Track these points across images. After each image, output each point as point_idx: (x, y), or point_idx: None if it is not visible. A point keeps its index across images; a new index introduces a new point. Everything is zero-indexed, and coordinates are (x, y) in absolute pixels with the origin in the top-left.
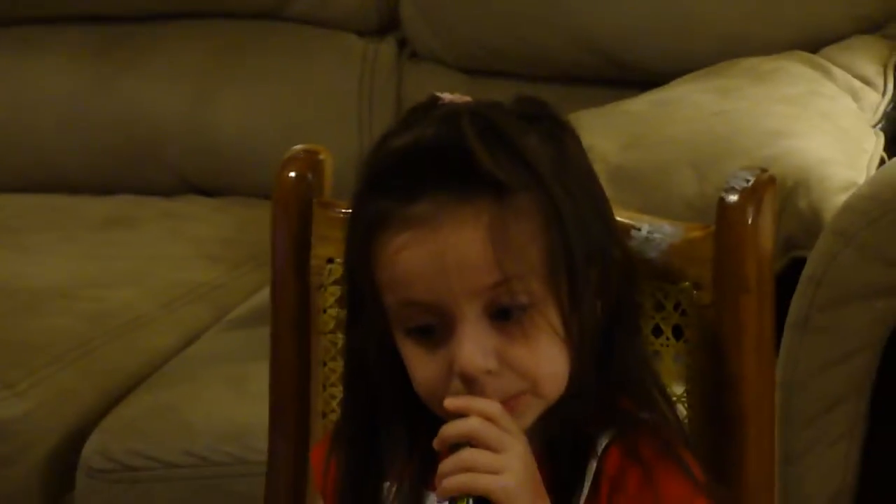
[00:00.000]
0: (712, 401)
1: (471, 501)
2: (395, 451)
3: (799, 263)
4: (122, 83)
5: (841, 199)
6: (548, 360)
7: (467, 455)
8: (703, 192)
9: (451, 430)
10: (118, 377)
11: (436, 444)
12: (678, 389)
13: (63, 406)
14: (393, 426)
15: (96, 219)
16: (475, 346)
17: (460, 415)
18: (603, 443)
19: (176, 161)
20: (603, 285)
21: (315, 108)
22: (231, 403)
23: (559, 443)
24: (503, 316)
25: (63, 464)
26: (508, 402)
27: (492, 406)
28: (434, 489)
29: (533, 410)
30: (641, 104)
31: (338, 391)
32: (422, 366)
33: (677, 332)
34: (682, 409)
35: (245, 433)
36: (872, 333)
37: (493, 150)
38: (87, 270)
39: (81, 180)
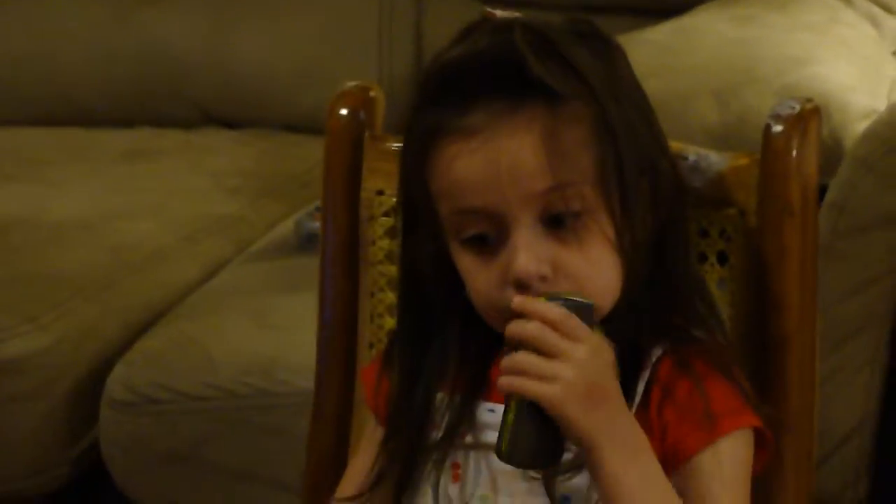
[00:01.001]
0: (756, 325)
1: (524, 402)
2: (447, 362)
3: (821, 191)
4: (141, 16)
5: (862, 126)
6: (601, 268)
7: (520, 358)
8: (724, 119)
9: (511, 329)
10: (140, 310)
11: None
12: (723, 315)
13: (86, 339)
14: (446, 338)
15: (117, 151)
16: (529, 252)
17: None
18: (656, 354)
19: (195, 93)
20: (654, 197)
21: (334, 40)
22: (253, 336)
23: (615, 353)
24: (557, 223)
25: (87, 397)
26: None
27: (552, 311)
28: (486, 399)
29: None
30: (661, 33)
31: (385, 322)
32: (478, 274)
33: (722, 259)
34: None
35: (268, 365)
36: (894, 260)
37: (544, 59)
38: (108, 203)
39: (102, 113)
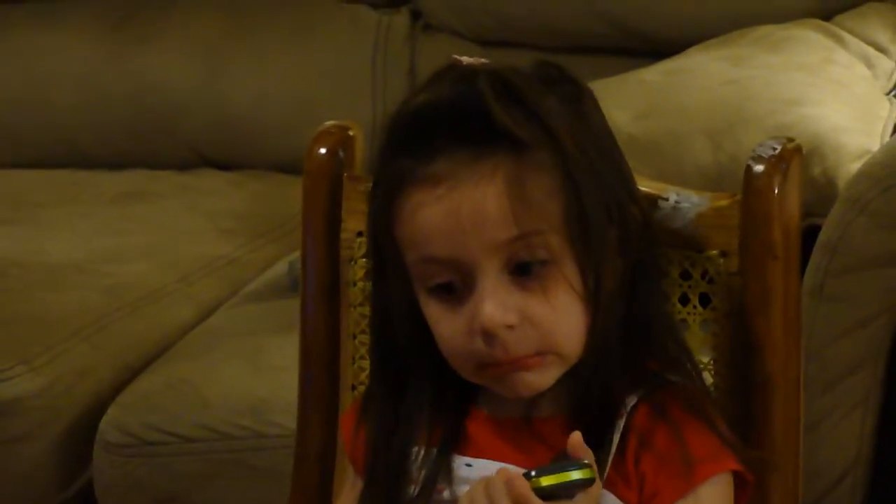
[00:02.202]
0: (739, 367)
1: None
2: (421, 414)
3: (814, 231)
4: (135, 57)
5: (855, 166)
6: (567, 316)
7: None
8: (717, 160)
9: None
10: (134, 352)
11: None
12: (705, 357)
13: (80, 381)
14: (419, 389)
15: (111, 193)
16: (495, 301)
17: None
18: (631, 402)
19: (190, 135)
20: (623, 243)
21: (329, 81)
22: (247, 377)
23: (587, 402)
24: (523, 272)
25: (80, 439)
26: (530, 360)
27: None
28: (462, 453)
29: (555, 368)
30: (654, 74)
31: (367, 364)
32: (445, 323)
33: (704, 301)
34: (708, 377)
35: (261, 407)
36: (887, 300)
37: (509, 107)
38: (102, 245)
39: (96, 154)
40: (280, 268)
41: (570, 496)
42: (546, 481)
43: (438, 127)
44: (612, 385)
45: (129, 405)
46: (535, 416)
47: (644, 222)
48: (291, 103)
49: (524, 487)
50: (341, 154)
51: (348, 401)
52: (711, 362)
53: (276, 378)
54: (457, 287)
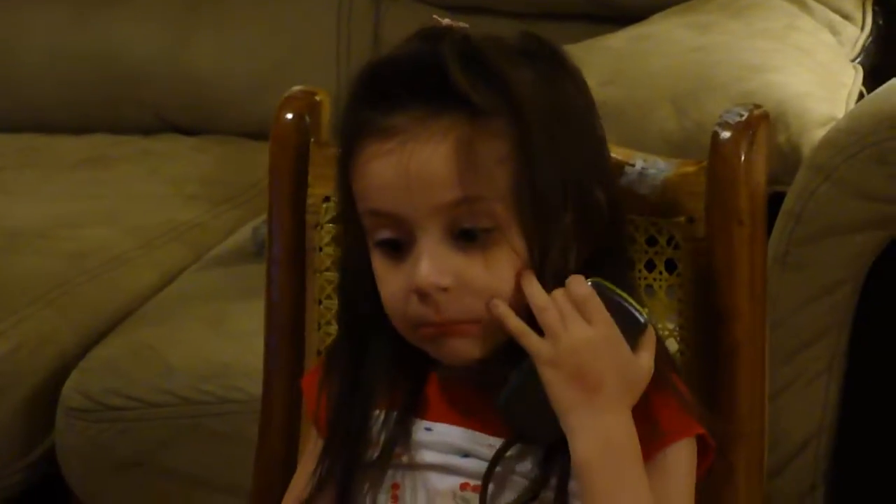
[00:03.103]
0: (705, 334)
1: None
2: (382, 377)
3: (778, 198)
4: (99, 21)
5: (819, 133)
6: (507, 287)
7: (538, 310)
8: (682, 126)
9: (538, 296)
10: (97, 317)
11: None
12: (671, 324)
13: (42, 346)
14: (380, 352)
15: (74, 158)
16: (432, 262)
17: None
18: None
19: (154, 99)
20: (581, 227)
21: (293, 47)
22: (210, 343)
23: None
24: (466, 237)
25: (43, 404)
26: (462, 326)
27: (579, 287)
28: (423, 417)
29: (488, 338)
30: (620, 40)
31: (333, 330)
32: (387, 280)
33: (670, 266)
34: (674, 343)
35: (224, 372)
36: (851, 268)
37: (470, 70)
38: (64, 210)
39: (59, 119)
40: (244, 233)
41: (622, 322)
42: (599, 280)
43: (398, 81)
44: None
45: (92, 370)
46: (492, 383)
47: (610, 210)
48: (256, 69)
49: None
50: (308, 119)
51: (313, 366)
52: (677, 329)
53: (239, 343)
54: (402, 244)
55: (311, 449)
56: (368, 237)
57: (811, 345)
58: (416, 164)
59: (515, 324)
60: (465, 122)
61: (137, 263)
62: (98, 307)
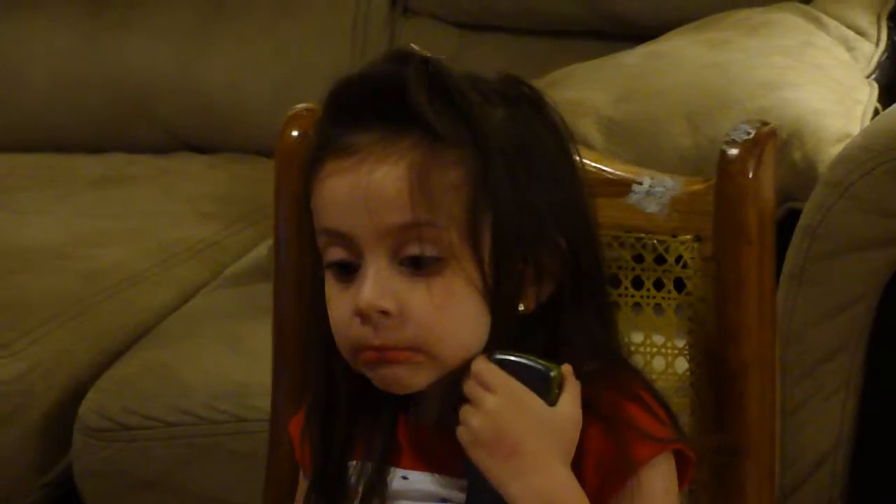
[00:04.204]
0: (713, 353)
1: None
2: (356, 425)
3: (794, 215)
4: (112, 41)
5: (835, 150)
6: (450, 319)
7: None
8: (696, 143)
9: None
10: (113, 336)
11: None
12: (680, 342)
13: (59, 366)
14: (354, 396)
15: (89, 177)
16: (375, 285)
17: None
18: None
19: (167, 118)
20: (537, 269)
21: (306, 64)
22: (227, 361)
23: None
24: (414, 264)
25: (60, 424)
26: (399, 353)
27: (477, 365)
28: (397, 465)
29: (426, 370)
30: (634, 57)
31: None
32: (335, 303)
33: (679, 285)
34: (683, 362)
35: (242, 391)
36: (868, 284)
37: (433, 96)
38: (80, 229)
39: (73, 139)
40: (260, 251)
41: (532, 382)
42: (501, 354)
43: (362, 100)
44: None
45: (109, 390)
46: (453, 424)
47: (574, 257)
48: (269, 87)
49: (481, 361)
50: (313, 136)
51: None
52: (687, 347)
53: (256, 362)
54: (352, 267)
55: (302, 489)
56: (322, 259)
57: (828, 361)
58: (369, 183)
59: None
60: (424, 145)
61: (153, 282)
62: (114, 326)
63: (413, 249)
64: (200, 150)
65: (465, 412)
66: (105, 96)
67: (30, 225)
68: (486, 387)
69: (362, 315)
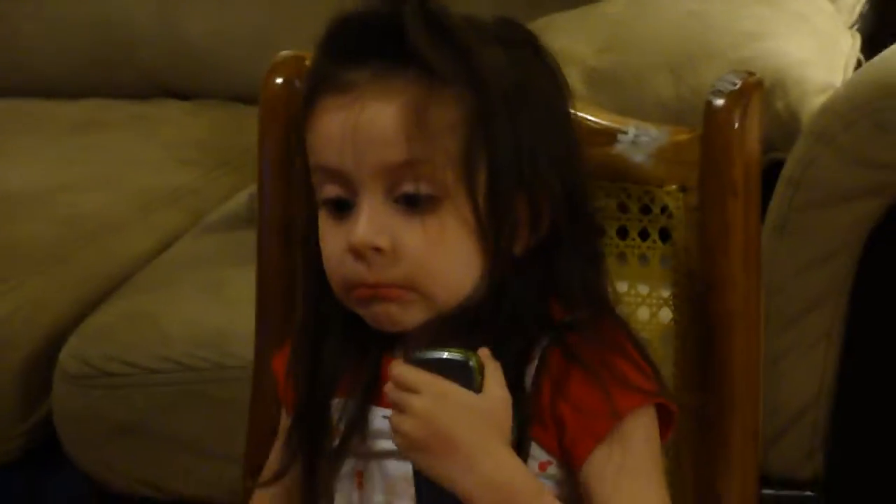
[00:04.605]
0: (699, 303)
1: None
2: (342, 362)
3: (776, 165)
4: None
5: (818, 100)
6: (445, 256)
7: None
8: (679, 94)
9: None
10: (94, 282)
11: None
12: (665, 292)
13: (39, 312)
14: (339, 334)
15: (68, 122)
16: (369, 221)
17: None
18: (540, 347)
19: (148, 64)
20: (532, 212)
21: (288, 10)
22: (207, 308)
23: (494, 350)
24: (410, 202)
25: (40, 370)
26: (391, 290)
27: (392, 368)
28: (380, 404)
29: (418, 308)
30: (617, 6)
31: None
32: (328, 239)
33: (664, 235)
34: (668, 312)
35: (222, 338)
36: (851, 235)
37: (432, 34)
38: (60, 174)
39: (54, 84)
40: (240, 198)
41: (454, 374)
42: (417, 353)
43: (360, 37)
44: (519, 333)
45: (89, 336)
46: None
47: (569, 202)
48: (249, 33)
49: (398, 365)
50: (297, 84)
51: None
52: (671, 297)
53: (237, 310)
54: (346, 204)
55: (283, 426)
56: (316, 195)
57: (810, 311)
58: (365, 120)
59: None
60: (422, 84)
61: (133, 229)
62: (94, 273)
63: (408, 187)
64: (179, 96)
65: (395, 420)
66: (85, 40)
67: (9, 169)
68: (410, 389)
69: (356, 252)
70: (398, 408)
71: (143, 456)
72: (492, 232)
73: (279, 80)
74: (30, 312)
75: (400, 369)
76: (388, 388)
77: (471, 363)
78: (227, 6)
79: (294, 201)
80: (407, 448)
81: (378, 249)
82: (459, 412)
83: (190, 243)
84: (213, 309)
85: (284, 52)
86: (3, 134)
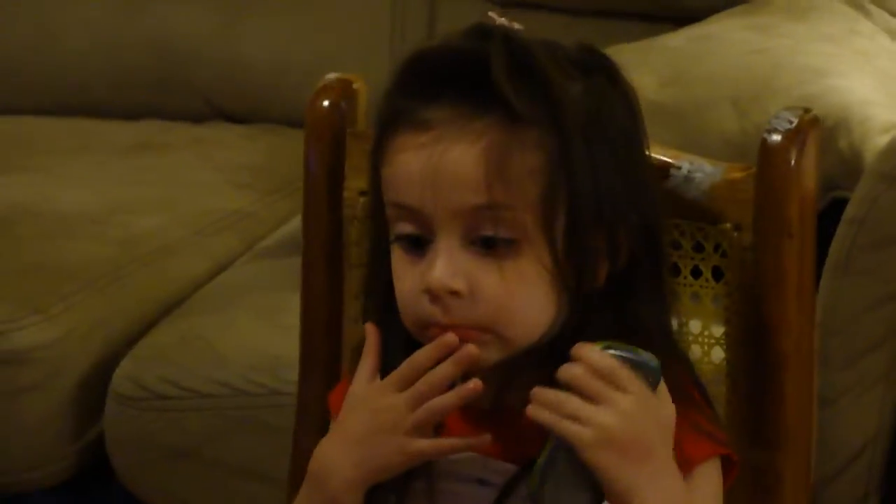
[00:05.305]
0: (751, 344)
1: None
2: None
3: (838, 204)
4: (152, 6)
5: (882, 139)
6: (522, 301)
7: (562, 397)
8: (743, 129)
9: (559, 373)
10: (148, 305)
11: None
12: (717, 331)
13: (93, 333)
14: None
15: (125, 143)
16: (447, 264)
17: (426, 334)
18: None
19: (205, 86)
20: (610, 248)
21: (346, 36)
22: (263, 334)
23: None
24: (486, 244)
25: (93, 390)
26: (468, 332)
27: (603, 359)
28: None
29: (494, 349)
30: (679, 40)
31: None
32: (402, 276)
33: (717, 274)
34: (720, 351)
35: (277, 364)
36: None
37: (514, 73)
38: (116, 196)
39: (110, 104)
40: (294, 223)
41: (643, 376)
42: (612, 349)
43: (440, 74)
44: None
45: (143, 358)
46: (507, 407)
47: (646, 235)
48: (307, 58)
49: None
50: (344, 106)
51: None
52: (723, 337)
53: (292, 335)
54: (422, 241)
55: None
56: (390, 231)
57: (869, 352)
58: (446, 162)
59: (546, 416)
60: (503, 126)
61: (188, 252)
62: (148, 295)
63: (487, 230)
64: (236, 119)
65: (589, 411)
66: (143, 62)
67: (65, 189)
68: (619, 386)
69: (432, 293)
70: (596, 398)
71: (194, 480)
72: (571, 273)
73: (325, 104)
74: (84, 333)
75: (609, 362)
76: (581, 373)
77: (656, 366)
78: (287, 31)
79: (340, 225)
80: (597, 442)
81: (455, 293)
82: (656, 421)
83: (245, 268)
84: (267, 334)
85: (331, 75)
86: (60, 154)
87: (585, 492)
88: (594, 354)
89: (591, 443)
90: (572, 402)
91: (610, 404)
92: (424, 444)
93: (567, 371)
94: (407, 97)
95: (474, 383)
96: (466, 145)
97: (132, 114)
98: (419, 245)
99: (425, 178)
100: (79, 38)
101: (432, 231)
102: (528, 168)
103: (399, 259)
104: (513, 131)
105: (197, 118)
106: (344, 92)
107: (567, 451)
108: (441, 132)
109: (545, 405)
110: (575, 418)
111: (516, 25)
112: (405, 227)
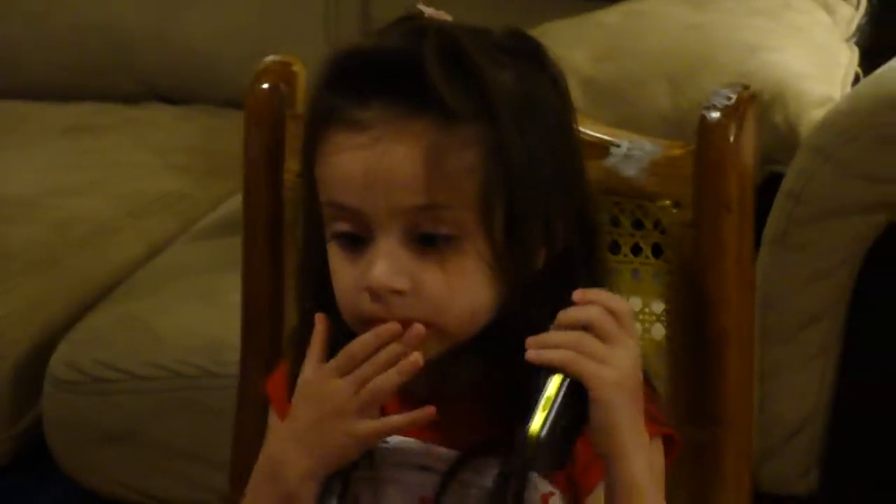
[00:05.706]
0: (692, 319)
1: (566, 381)
2: None
3: (775, 178)
4: None
5: (817, 113)
6: (463, 295)
7: (580, 336)
8: (677, 105)
9: (569, 314)
10: (85, 287)
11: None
12: (657, 308)
13: (30, 316)
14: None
15: (60, 126)
16: (388, 263)
17: (366, 329)
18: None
19: (141, 68)
20: (547, 234)
21: (281, 18)
22: (200, 315)
23: (502, 385)
24: (427, 241)
25: (30, 375)
26: (409, 325)
27: (618, 301)
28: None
29: (434, 344)
30: (614, 16)
31: None
32: (341, 274)
33: (657, 251)
34: (661, 328)
35: (214, 346)
36: (850, 250)
37: (450, 73)
38: (51, 178)
39: (46, 86)
40: (232, 205)
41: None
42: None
43: (375, 75)
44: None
45: (80, 341)
46: (445, 395)
47: (580, 216)
48: (243, 40)
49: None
50: (283, 89)
51: None
52: (664, 313)
53: (229, 317)
54: (359, 239)
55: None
56: (326, 228)
57: (808, 326)
58: (385, 164)
59: (561, 356)
60: (440, 126)
61: (124, 234)
62: (85, 277)
63: (427, 228)
64: (172, 101)
65: (606, 350)
66: (77, 43)
67: (1, 173)
68: (628, 329)
69: (374, 293)
70: (610, 339)
71: (132, 462)
72: (510, 264)
73: (265, 86)
74: (20, 317)
75: (626, 306)
76: (598, 313)
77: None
78: (222, 12)
79: (280, 207)
80: (618, 383)
81: (397, 291)
82: (638, 374)
83: (182, 249)
84: (205, 316)
85: (270, 58)
86: None
87: (566, 444)
88: (609, 295)
89: (613, 384)
90: (591, 342)
91: (625, 346)
92: (372, 425)
93: (582, 311)
94: (340, 96)
95: (415, 357)
96: (405, 147)
97: (67, 96)
98: (355, 242)
99: (364, 180)
100: (19, 20)
101: (371, 230)
102: (465, 166)
103: (336, 256)
104: (449, 130)
105: (133, 100)
106: (283, 74)
107: (566, 398)
108: (379, 133)
109: (557, 346)
110: (601, 360)
111: (444, 15)
112: (342, 226)
